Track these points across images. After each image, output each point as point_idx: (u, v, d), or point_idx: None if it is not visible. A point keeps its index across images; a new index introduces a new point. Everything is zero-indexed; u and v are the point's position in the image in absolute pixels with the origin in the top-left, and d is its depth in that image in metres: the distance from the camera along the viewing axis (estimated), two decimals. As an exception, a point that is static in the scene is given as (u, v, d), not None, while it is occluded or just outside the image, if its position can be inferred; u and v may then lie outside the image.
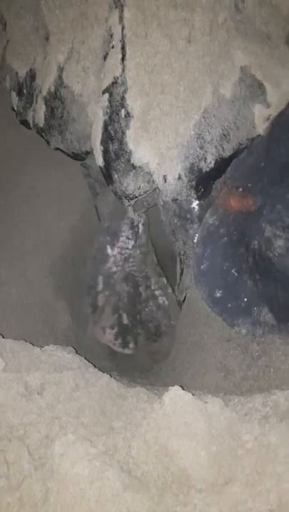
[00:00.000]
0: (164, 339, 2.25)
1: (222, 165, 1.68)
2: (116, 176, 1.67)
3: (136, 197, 1.71)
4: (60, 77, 1.83)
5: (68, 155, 1.95)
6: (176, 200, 1.72)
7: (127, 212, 2.05)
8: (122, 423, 1.20)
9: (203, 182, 1.67)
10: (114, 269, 2.19)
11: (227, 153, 1.66)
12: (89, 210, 2.28)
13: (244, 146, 1.68)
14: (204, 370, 1.76)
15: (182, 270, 1.93)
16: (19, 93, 2.05)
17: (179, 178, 1.65)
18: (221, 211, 1.71)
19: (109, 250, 2.17)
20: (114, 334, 2.22)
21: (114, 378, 1.47)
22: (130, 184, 1.66)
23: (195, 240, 1.81)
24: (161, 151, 1.62)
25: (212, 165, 1.66)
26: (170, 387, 1.15)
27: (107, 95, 1.65)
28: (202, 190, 1.69)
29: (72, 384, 1.34)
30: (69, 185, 2.30)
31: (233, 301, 1.71)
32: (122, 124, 1.62)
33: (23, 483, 1.05)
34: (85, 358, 1.61)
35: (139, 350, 2.25)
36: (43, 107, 1.89)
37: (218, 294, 1.71)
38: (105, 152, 1.67)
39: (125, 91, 1.60)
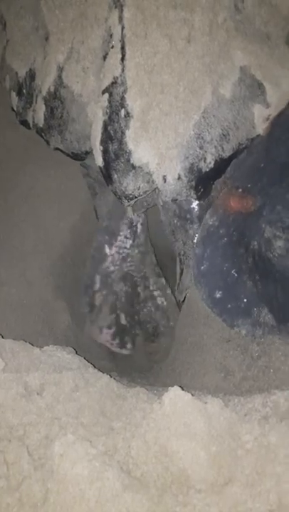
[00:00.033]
0: (162, 340, 2.25)
1: (222, 165, 1.68)
2: (115, 176, 1.67)
3: (135, 197, 1.71)
4: (59, 77, 1.83)
5: (68, 155, 1.94)
6: (176, 200, 1.72)
7: (127, 212, 2.05)
8: (122, 423, 1.20)
9: (202, 182, 1.67)
10: (111, 268, 2.18)
11: (227, 154, 1.66)
12: (88, 210, 2.28)
13: (244, 146, 1.68)
14: (204, 370, 1.76)
15: (182, 270, 1.92)
16: (19, 93, 2.05)
17: (179, 178, 1.65)
18: (221, 212, 1.71)
19: (107, 249, 2.16)
20: (111, 334, 2.22)
21: (114, 379, 1.47)
22: (130, 184, 1.66)
23: (195, 240, 1.81)
24: (161, 151, 1.62)
25: (212, 165, 1.66)
26: (170, 388, 1.15)
27: (106, 95, 1.65)
28: (202, 190, 1.69)
29: (72, 384, 1.34)
30: (69, 185, 2.30)
31: (233, 302, 1.71)
32: (122, 124, 1.62)
33: (22, 484, 1.05)
34: (85, 359, 1.61)
35: (137, 351, 2.25)
36: (43, 107, 1.89)
37: (217, 295, 1.71)
38: (105, 152, 1.67)
39: (125, 91, 1.60)
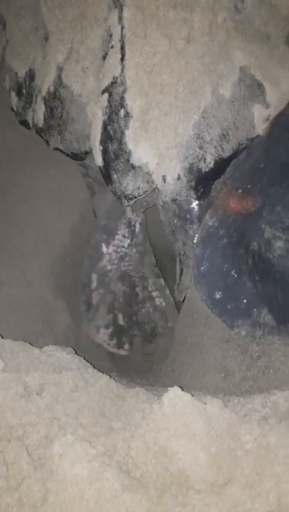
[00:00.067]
0: (160, 341, 2.24)
1: (221, 165, 1.68)
2: (115, 175, 1.67)
3: (135, 197, 1.71)
4: (59, 77, 1.82)
5: (67, 155, 1.94)
6: (176, 200, 1.72)
7: (125, 212, 2.05)
8: (122, 424, 1.20)
9: (202, 182, 1.67)
10: (109, 267, 2.18)
11: (226, 154, 1.66)
12: (88, 210, 2.28)
13: (243, 146, 1.68)
14: (204, 370, 1.76)
15: (182, 270, 1.93)
16: (18, 93, 2.04)
17: (179, 178, 1.65)
18: (221, 212, 1.71)
19: (104, 248, 2.15)
20: (108, 334, 2.21)
21: (114, 379, 1.47)
22: (129, 184, 1.66)
23: (195, 240, 1.81)
24: (161, 151, 1.62)
25: (211, 165, 1.66)
26: (169, 388, 1.15)
27: (106, 95, 1.65)
28: (201, 190, 1.69)
29: (72, 384, 1.34)
30: (68, 185, 2.30)
31: (233, 303, 1.71)
32: (122, 124, 1.62)
33: (22, 484, 1.05)
34: (85, 359, 1.61)
35: (134, 352, 2.24)
36: (43, 107, 1.89)
37: (217, 296, 1.71)
38: (104, 152, 1.67)
39: (124, 91, 1.60)
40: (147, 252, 2.21)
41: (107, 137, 1.66)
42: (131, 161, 1.63)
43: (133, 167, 1.64)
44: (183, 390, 1.15)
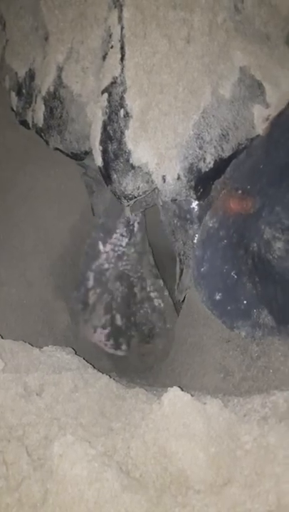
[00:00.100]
0: (157, 341, 2.23)
1: (221, 165, 1.68)
2: (115, 175, 1.67)
3: (135, 197, 1.71)
4: (59, 77, 1.82)
5: (67, 155, 1.94)
6: (176, 200, 1.72)
7: (124, 211, 2.04)
8: (121, 424, 1.20)
9: (202, 182, 1.67)
10: (106, 266, 2.16)
11: (226, 154, 1.66)
12: (88, 210, 2.28)
13: (243, 146, 1.68)
14: (203, 371, 1.76)
15: (182, 270, 1.92)
16: (18, 93, 2.04)
17: (178, 178, 1.65)
18: (221, 214, 1.71)
19: (101, 246, 2.14)
20: (105, 334, 2.19)
21: (114, 379, 1.47)
22: (129, 184, 1.66)
23: (195, 240, 1.81)
24: (160, 151, 1.62)
25: (211, 165, 1.66)
26: (169, 388, 1.15)
27: (106, 95, 1.65)
28: (201, 190, 1.69)
29: (72, 385, 1.34)
30: (69, 185, 2.29)
31: (233, 304, 1.71)
32: (121, 124, 1.62)
33: (22, 484, 1.05)
34: (84, 359, 1.61)
35: (131, 353, 2.22)
36: (42, 107, 1.89)
37: (217, 297, 1.71)
38: (104, 152, 1.67)
39: (124, 91, 1.60)
40: (146, 253, 2.20)
41: (106, 137, 1.66)
42: (131, 161, 1.63)
43: (133, 167, 1.64)
44: (182, 390, 1.16)
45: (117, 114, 1.62)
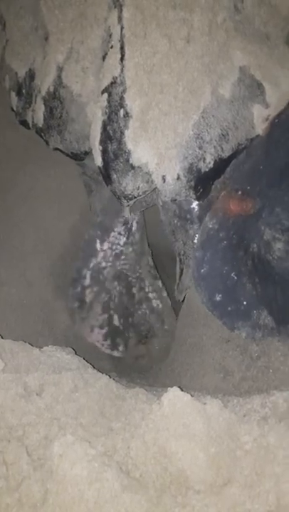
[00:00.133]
0: (155, 343, 2.22)
1: (221, 165, 1.67)
2: (115, 176, 1.67)
3: (135, 197, 1.71)
4: (59, 77, 1.82)
5: (67, 155, 1.94)
6: (175, 200, 1.72)
7: (123, 211, 2.04)
8: (121, 424, 1.20)
9: (202, 182, 1.67)
10: (103, 264, 2.14)
11: (226, 154, 1.66)
12: (88, 210, 2.28)
13: (243, 146, 1.68)
14: (203, 371, 1.76)
15: (182, 270, 1.92)
16: (18, 93, 2.04)
17: (178, 178, 1.64)
18: (221, 215, 1.71)
19: (98, 244, 2.12)
20: (103, 334, 2.17)
21: (114, 379, 1.47)
22: (129, 184, 1.66)
23: (195, 240, 1.81)
24: (160, 151, 1.62)
25: (211, 165, 1.65)
26: (169, 388, 1.16)
27: (106, 95, 1.65)
28: (201, 190, 1.69)
29: (71, 385, 1.34)
30: (69, 185, 2.29)
31: (233, 305, 1.72)
32: (121, 124, 1.62)
33: (22, 484, 1.05)
34: (84, 359, 1.62)
35: (128, 353, 2.21)
36: (42, 107, 1.89)
37: (218, 298, 1.72)
38: (104, 152, 1.67)
39: (124, 91, 1.60)
40: (145, 253, 2.19)
41: (106, 137, 1.66)
42: (130, 161, 1.63)
43: (133, 167, 1.64)
44: (182, 390, 1.16)
45: (116, 114, 1.62)
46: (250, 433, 1.11)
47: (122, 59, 1.60)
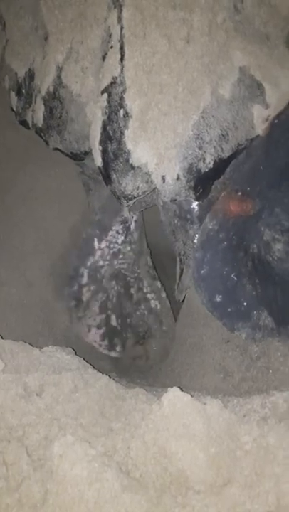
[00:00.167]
0: (153, 343, 2.21)
1: (221, 165, 1.67)
2: (114, 176, 1.67)
3: (134, 197, 1.71)
4: (58, 77, 1.82)
5: (67, 155, 1.94)
6: (175, 200, 1.72)
7: (123, 211, 2.04)
8: (121, 424, 1.20)
9: (201, 182, 1.67)
10: (101, 263, 2.14)
11: (226, 154, 1.66)
12: (89, 210, 2.28)
13: (243, 146, 1.67)
14: (203, 371, 1.76)
15: (182, 270, 1.92)
16: (18, 93, 2.04)
17: (178, 178, 1.64)
18: (221, 216, 1.71)
19: (96, 243, 2.12)
20: (100, 335, 2.16)
21: (113, 379, 1.47)
22: (129, 184, 1.66)
23: (195, 240, 1.81)
24: (160, 151, 1.62)
25: (211, 165, 1.65)
26: (169, 389, 1.16)
27: (105, 95, 1.64)
28: (201, 190, 1.69)
29: (71, 385, 1.34)
30: (69, 186, 2.29)
31: (233, 306, 1.72)
32: (121, 124, 1.62)
33: (22, 485, 1.05)
34: (84, 359, 1.62)
35: (126, 354, 2.20)
36: (42, 107, 1.89)
37: (218, 299, 1.72)
38: (104, 152, 1.67)
39: (124, 91, 1.60)
40: (143, 253, 2.18)
41: (106, 137, 1.66)
42: (130, 161, 1.63)
43: (132, 167, 1.64)
44: (182, 390, 1.16)
45: (116, 114, 1.62)
46: (250, 433, 1.11)
47: (121, 59, 1.60)
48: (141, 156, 1.62)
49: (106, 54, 1.66)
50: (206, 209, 1.76)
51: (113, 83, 1.62)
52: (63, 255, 2.23)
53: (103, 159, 1.68)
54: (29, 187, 2.29)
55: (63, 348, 1.66)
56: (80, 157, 1.91)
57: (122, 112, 1.61)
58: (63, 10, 1.80)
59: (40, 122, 1.92)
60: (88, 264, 2.14)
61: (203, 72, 1.59)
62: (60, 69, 1.81)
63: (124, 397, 1.35)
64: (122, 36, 1.60)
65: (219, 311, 1.73)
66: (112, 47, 1.63)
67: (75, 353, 1.65)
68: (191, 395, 1.15)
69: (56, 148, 1.94)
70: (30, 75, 1.98)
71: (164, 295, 2.21)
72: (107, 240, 2.11)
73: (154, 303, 2.21)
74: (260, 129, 1.67)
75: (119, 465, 1.07)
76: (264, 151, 1.69)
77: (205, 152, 1.63)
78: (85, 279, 2.15)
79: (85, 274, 2.15)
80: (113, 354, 2.18)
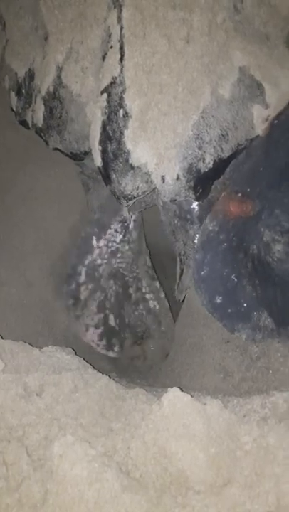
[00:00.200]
0: (151, 343, 2.21)
1: (221, 166, 1.67)
2: (114, 176, 1.67)
3: (134, 197, 1.71)
4: (58, 77, 1.82)
5: (67, 155, 1.94)
6: (175, 200, 1.72)
7: (122, 211, 2.04)
8: (121, 424, 1.20)
9: (201, 182, 1.67)
10: (99, 261, 2.13)
11: (226, 154, 1.66)
12: (88, 209, 2.28)
13: (243, 146, 1.67)
14: (203, 371, 1.76)
15: (182, 270, 1.92)
16: (18, 93, 2.04)
17: (178, 178, 1.64)
18: (221, 217, 1.71)
19: (94, 241, 2.11)
20: (98, 334, 2.15)
21: (113, 379, 1.47)
22: (128, 184, 1.66)
23: (195, 241, 1.81)
24: (160, 152, 1.62)
25: (210, 165, 1.65)
26: (169, 389, 1.16)
27: (105, 95, 1.64)
28: (200, 190, 1.69)
29: (71, 385, 1.34)
30: (69, 186, 2.29)
31: (233, 307, 1.72)
32: (121, 124, 1.62)
33: (22, 485, 1.05)
34: (84, 359, 1.62)
35: (124, 354, 2.19)
36: (42, 107, 1.89)
37: (218, 300, 1.72)
38: (103, 152, 1.67)
39: (123, 91, 1.60)
40: (142, 253, 2.17)
41: (106, 137, 1.66)
42: (130, 161, 1.63)
43: (132, 167, 1.64)
44: (182, 390, 1.16)
45: (116, 114, 1.62)
46: (250, 433, 1.11)
47: (121, 59, 1.60)
48: (140, 156, 1.62)
49: (106, 54, 1.66)
50: (206, 209, 1.76)
51: (113, 83, 1.62)
52: (63, 255, 2.23)
53: (103, 159, 1.68)
54: (29, 187, 2.29)
55: (63, 348, 1.66)
56: (79, 157, 1.91)
57: (121, 112, 1.61)
58: (63, 10, 1.80)
59: (40, 122, 1.92)
60: (86, 262, 2.14)
61: (203, 72, 1.59)
62: (60, 69, 1.81)
63: (124, 397, 1.35)
64: (121, 36, 1.60)
65: (219, 313, 1.73)
66: (111, 47, 1.63)
67: (75, 353, 1.65)
68: (191, 395, 1.15)
69: (56, 148, 1.94)
70: (30, 75, 1.98)
71: (162, 295, 2.21)
72: (106, 239, 2.11)
73: (152, 303, 2.20)
74: (259, 129, 1.67)
75: (119, 465, 1.07)
76: (264, 151, 1.69)
77: (205, 152, 1.63)
78: (82, 278, 2.15)
79: (83, 273, 2.15)
80: (111, 354, 2.17)
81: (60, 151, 1.94)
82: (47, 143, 1.94)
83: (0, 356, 1.41)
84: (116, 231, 2.09)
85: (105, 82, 1.64)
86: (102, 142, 1.67)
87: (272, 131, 1.67)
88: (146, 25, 1.58)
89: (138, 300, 2.20)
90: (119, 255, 2.14)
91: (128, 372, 2.11)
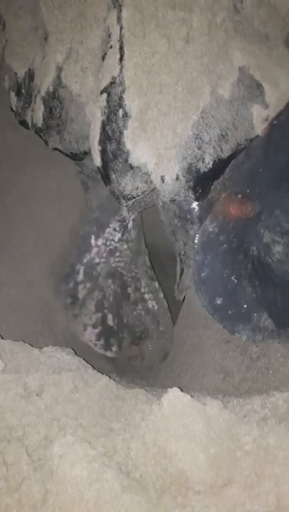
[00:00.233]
0: (149, 343, 2.20)
1: (220, 166, 1.67)
2: (114, 176, 1.67)
3: (134, 197, 1.71)
4: (58, 77, 1.82)
5: (66, 155, 1.94)
6: (175, 200, 1.72)
7: (122, 211, 2.04)
8: (121, 424, 1.20)
9: (201, 183, 1.67)
10: (97, 260, 2.13)
11: (225, 154, 1.66)
12: (87, 209, 2.28)
13: (242, 146, 1.67)
14: (203, 371, 1.76)
15: (182, 270, 1.92)
16: (18, 93, 2.04)
17: (177, 178, 1.64)
18: (221, 218, 1.71)
19: (93, 240, 2.11)
20: (96, 334, 2.14)
21: (113, 380, 1.47)
22: (128, 184, 1.66)
23: (195, 241, 1.81)
24: (159, 152, 1.62)
25: (210, 165, 1.65)
26: (169, 389, 1.16)
27: (105, 95, 1.64)
28: (200, 190, 1.69)
29: (71, 385, 1.34)
30: (68, 186, 2.29)
31: (234, 308, 1.72)
32: (120, 124, 1.62)
33: (22, 485, 1.05)
34: (84, 359, 1.62)
35: (122, 354, 2.19)
36: (42, 107, 1.89)
37: (218, 301, 1.72)
38: (103, 152, 1.67)
39: (123, 91, 1.60)
40: (141, 252, 2.16)
41: (105, 137, 1.66)
42: (129, 161, 1.63)
43: (131, 167, 1.64)
44: (182, 390, 1.16)
45: (115, 114, 1.62)
46: (250, 434, 1.11)
47: (121, 59, 1.60)
48: (140, 156, 1.62)
49: (105, 54, 1.66)
50: (206, 209, 1.76)
51: (112, 83, 1.62)
52: (63, 255, 2.23)
53: (102, 159, 1.68)
54: (29, 187, 2.29)
55: (63, 348, 1.66)
56: (79, 157, 1.91)
57: (121, 112, 1.61)
58: (63, 10, 1.80)
59: (39, 122, 1.92)
60: (84, 261, 2.13)
61: (203, 72, 1.59)
62: (59, 69, 1.81)
63: (124, 397, 1.35)
64: (121, 36, 1.60)
65: (220, 314, 1.73)
66: (111, 47, 1.63)
67: (75, 353, 1.65)
68: (191, 396, 1.15)
69: (56, 148, 1.94)
70: (30, 75, 1.98)
71: (161, 295, 2.20)
72: (104, 237, 2.10)
73: (151, 303, 2.20)
74: (259, 129, 1.67)
75: (119, 465, 1.07)
76: (263, 152, 1.69)
77: (204, 152, 1.63)
78: (80, 276, 2.14)
79: (81, 271, 2.14)
80: (109, 354, 2.16)
81: (59, 151, 1.94)
82: (47, 143, 1.94)
83: (0, 356, 1.41)
84: (114, 230, 2.09)
85: (105, 82, 1.64)
86: (101, 142, 1.67)
87: (272, 131, 1.67)
88: (145, 25, 1.58)
89: (137, 300, 2.20)
90: (117, 254, 2.13)
91: (127, 373, 2.11)
